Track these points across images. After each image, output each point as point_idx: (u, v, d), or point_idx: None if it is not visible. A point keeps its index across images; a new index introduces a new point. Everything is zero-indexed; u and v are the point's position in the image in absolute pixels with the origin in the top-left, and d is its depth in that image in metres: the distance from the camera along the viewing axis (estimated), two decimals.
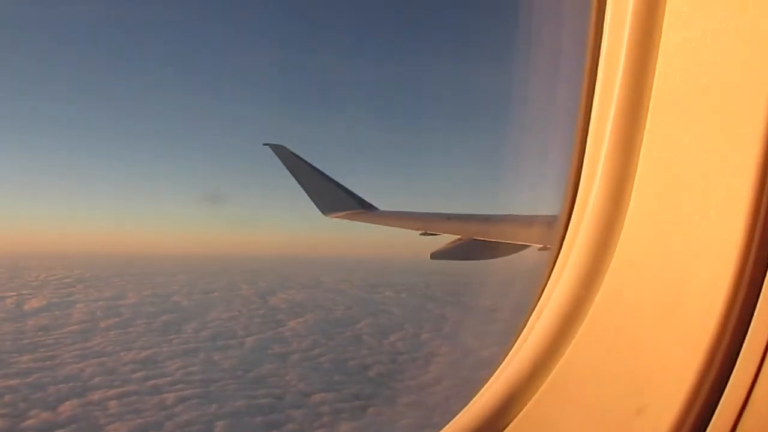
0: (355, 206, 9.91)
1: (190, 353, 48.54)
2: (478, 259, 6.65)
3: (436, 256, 6.78)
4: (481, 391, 1.76)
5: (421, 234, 7.68)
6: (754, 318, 1.12)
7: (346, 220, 9.59)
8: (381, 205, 10.21)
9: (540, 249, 5.18)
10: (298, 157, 10.42)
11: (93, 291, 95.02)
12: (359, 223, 9.47)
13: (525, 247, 6.02)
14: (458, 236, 6.84)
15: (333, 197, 10.01)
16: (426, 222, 8.12)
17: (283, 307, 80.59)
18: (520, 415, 1.54)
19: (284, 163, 10.38)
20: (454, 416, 1.68)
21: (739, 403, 1.14)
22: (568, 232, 1.52)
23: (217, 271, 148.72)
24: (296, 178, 10.21)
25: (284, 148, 10.61)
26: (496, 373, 1.77)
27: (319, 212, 10.11)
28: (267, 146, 10.55)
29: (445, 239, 7.04)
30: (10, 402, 33.90)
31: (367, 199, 10.19)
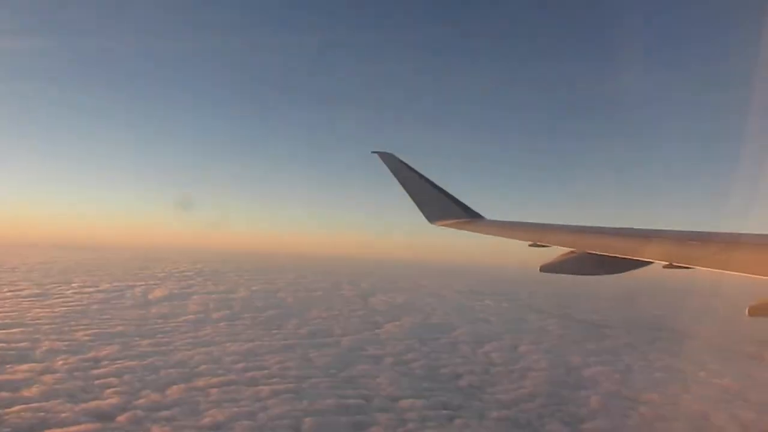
0: (462, 215, 9.73)
1: (288, 349, 50.35)
2: (592, 274, 6.13)
3: (546, 268, 6.24)
4: None
5: (530, 245, 7.21)
6: None
7: (452, 229, 9.37)
8: (489, 215, 9.87)
9: (665, 267, 4.91)
10: (405, 164, 10.39)
11: (210, 284, 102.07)
12: (467, 232, 9.06)
13: (646, 264, 5.53)
14: (571, 249, 6.35)
15: (439, 206, 9.90)
16: (536, 233, 7.65)
17: (382, 309, 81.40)
18: None
19: (392, 171, 10.39)
20: None
21: None
22: None
23: (323, 271, 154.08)
24: (403, 186, 10.17)
25: (392, 155, 10.65)
26: None
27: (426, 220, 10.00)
28: (375, 154, 10.66)
29: (555, 251, 6.50)
30: (127, 381, 37.11)
31: (475, 208, 9.95)
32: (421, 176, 10.26)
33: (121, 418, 30.28)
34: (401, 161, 10.45)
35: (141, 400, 33.49)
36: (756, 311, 3.83)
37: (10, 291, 73.56)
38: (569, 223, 8.07)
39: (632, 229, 6.86)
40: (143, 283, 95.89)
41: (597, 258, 5.99)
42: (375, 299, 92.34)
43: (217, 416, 31.75)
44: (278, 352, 48.65)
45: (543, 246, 7.02)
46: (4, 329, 49.71)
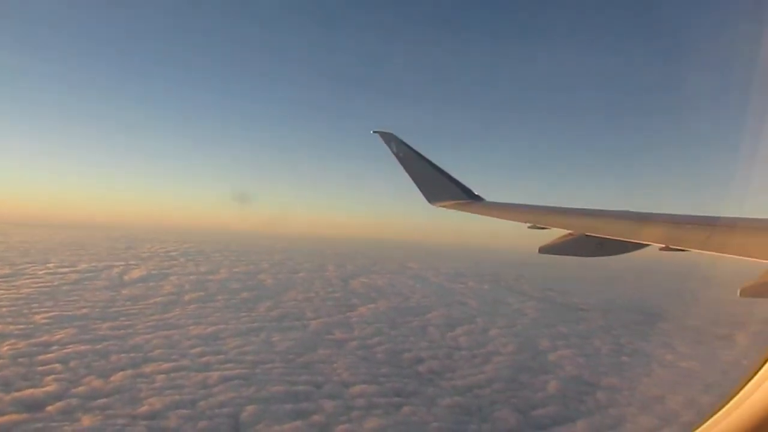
0: (462, 196, 9.97)
1: (252, 332, 49.45)
2: (588, 256, 6.45)
3: (544, 250, 6.51)
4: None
5: (529, 227, 7.43)
6: None
7: (452, 210, 9.65)
8: (490, 197, 10.11)
9: (661, 249, 5.09)
10: (406, 144, 10.50)
11: (191, 265, 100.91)
12: (466, 213, 9.40)
13: (642, 246, 5.82)
14: (569, 231, 6.56)
15: (439, 186, 10.18)
16: (535, 215, 7.88)
17: (361, 291, 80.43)
18: None
19: (392, 151, 10.56)
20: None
21: None
22: None
23: (313, 252, 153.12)
24: (403, 166, 10.39)
25: (392, 135, 10.76)
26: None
27: (425, 201, 10.31)
28: (376, 133, 10.80)
29: (555, 233, 6.79)
30: (72, 367, 36.18)
31: (475, 190, 10.20)
32: (422, 156, 10.42)
33: (50, 408, 29.31)
34: (402, 141, 10.53)
35: (80, 388, 32.57)
36: (747, 292, 3.92)
37: None
38: (569, 206, 8.21)
39: (630, 212, 6.97)
40: (123, 263, 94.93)
41: (595, 240, 6.19)
42: (356, 281, 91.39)
43: (155, 404, 30.84)
44: (241, 336, 47.74)
45: (542, 228, 7.20)
46: None
